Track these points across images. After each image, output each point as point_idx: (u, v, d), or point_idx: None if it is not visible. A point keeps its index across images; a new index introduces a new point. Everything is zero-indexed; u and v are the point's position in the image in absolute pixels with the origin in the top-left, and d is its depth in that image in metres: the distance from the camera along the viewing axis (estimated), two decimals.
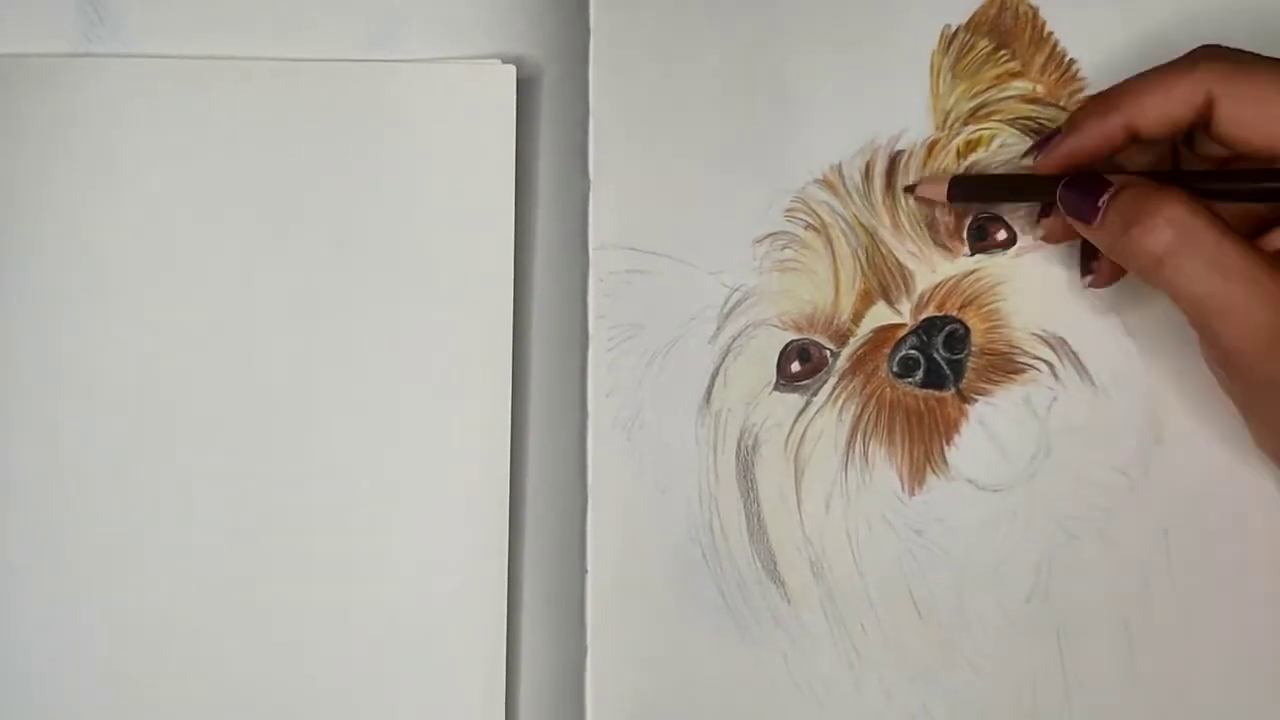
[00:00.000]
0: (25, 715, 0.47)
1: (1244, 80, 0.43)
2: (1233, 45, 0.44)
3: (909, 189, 0.49)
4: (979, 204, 0.49)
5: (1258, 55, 0.44)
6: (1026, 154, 0.48)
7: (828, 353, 0.48)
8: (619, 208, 0.49)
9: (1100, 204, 0.44)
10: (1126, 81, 0.45)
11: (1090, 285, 0.48)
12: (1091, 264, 0.48)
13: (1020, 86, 0.50)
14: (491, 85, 0.50)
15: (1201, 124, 0.44)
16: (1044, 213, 0.48)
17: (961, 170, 0.49)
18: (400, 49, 0.51)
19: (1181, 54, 0.44)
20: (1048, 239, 0.48)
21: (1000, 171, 0.49)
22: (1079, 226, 0.45)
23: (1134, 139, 0.45)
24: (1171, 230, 0.42)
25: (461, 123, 0.50)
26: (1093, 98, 0.47)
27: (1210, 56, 0.44)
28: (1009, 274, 0.49)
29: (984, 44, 0.50)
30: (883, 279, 0.49)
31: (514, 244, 0.49)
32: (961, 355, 0.48)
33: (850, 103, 0.50)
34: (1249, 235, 0.43)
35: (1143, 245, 0.42)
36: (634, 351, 0.48)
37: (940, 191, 0.48)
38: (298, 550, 0.48)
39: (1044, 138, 0.47)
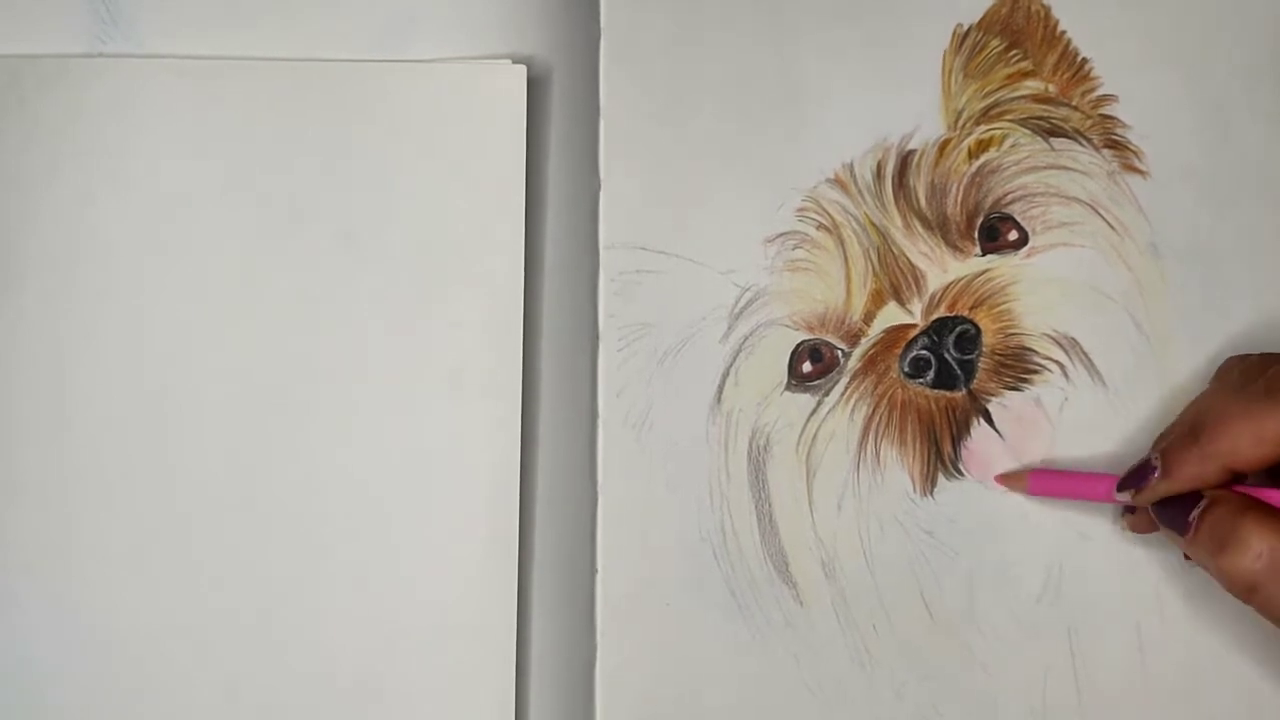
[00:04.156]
0: (31, 716, 0.47)
1: None
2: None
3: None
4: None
5: None
6: (1121, 489, 0.45)
7: (839, 353, 0.48)
8: (630, 207, 0.49)
9: (1191, 519, 0.43)
10: (1217, 422, 0.43)
11: (1128, 528, 0.47)
12: (1128, 513, 0.47)
13: (1032, 86, 0.50)
14: (502, 85, 0.50)
15: None
16: (1128, 509, 0.47)
17: (974, 169, 0.49)
18: (411, 49, 0.51)
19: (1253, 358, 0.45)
20: (1135, 529, 0.47)
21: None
22: (1173, 538, 0.44)
23: (1233, 477, 0.43)
24: (1262, 563, 0.41)
25: (472, 123, 0.50)
26: (1182, 436, 0.44)
27: None
28: (1021, 274, 0.49)
29: (996, 43, 0.50)
30: (894, 279, 0.48)
31: (525, 244, 0.49)
32: (973, 356, 0.48)
33: (862, 102, 0.50)
34: None
35: (1235, 571, 0.42)
36: (644, 351, 0.48)
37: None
38: (307, 550, 0.48)
39: (1136, 472, 0.45)
